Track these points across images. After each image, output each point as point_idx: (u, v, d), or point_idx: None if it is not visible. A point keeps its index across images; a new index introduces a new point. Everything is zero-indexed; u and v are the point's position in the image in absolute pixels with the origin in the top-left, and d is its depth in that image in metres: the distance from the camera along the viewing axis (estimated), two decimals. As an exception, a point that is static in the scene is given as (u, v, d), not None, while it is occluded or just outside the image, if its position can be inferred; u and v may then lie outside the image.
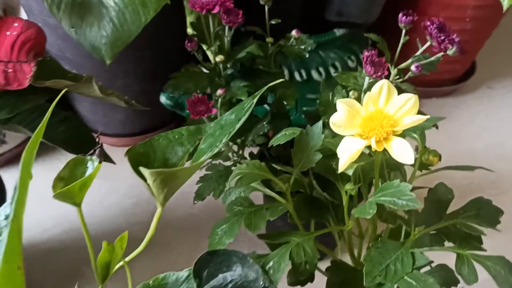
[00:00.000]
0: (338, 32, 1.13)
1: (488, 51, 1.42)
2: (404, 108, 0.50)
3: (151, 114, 1.25)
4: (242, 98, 0.76)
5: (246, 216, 0.57)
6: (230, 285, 0.47)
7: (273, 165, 0.63)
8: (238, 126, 0.53)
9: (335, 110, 0.69)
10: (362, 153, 0.51)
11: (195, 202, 0.79)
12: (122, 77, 1.11)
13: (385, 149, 0.50)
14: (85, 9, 0.72)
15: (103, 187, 1.17)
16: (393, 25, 0.75)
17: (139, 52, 1.07)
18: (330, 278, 0.55)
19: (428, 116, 0.48)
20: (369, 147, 0.51)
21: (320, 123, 0.56)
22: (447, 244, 0.62)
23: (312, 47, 0.80)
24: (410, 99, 0.49)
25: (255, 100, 0.56)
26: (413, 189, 0.50)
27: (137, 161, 0.44)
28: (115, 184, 1.17)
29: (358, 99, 0.72)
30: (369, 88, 0.73)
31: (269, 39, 0.81)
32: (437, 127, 0.75)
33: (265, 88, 0.55)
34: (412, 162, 0.48)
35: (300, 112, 1.21)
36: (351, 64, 1.19)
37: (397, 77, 0.75)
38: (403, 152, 0.48)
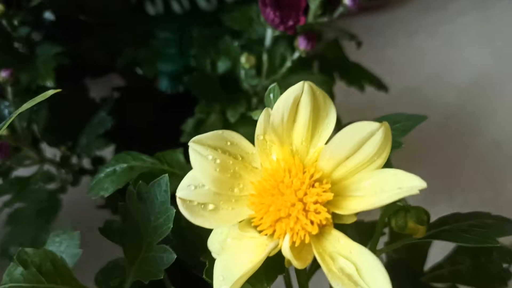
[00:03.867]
0: None
1: None
2: (358, 155, 0.19)
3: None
4: (48, 83, 0.41)
5: None
6: None
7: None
8: None
9: (215, 89, 0.38)
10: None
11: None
12: None
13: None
14: None
15: None
16: None
17: None
18: None
19: (416, 180, 0.18)
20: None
21: (166, 178, 0.24)
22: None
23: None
24: (372, 134, 0.18)
25: None
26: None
27: None
28: None
29: (259, 71, 0.40)
30: (275, 47, 0.40)
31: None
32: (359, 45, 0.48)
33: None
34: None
35: (187, 56, 0.84)
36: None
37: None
38: (366, 277, 0.19)
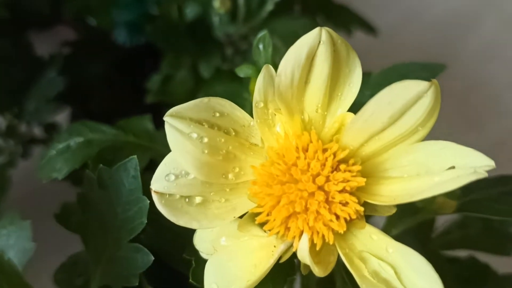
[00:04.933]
0: None
1: None
2: (399, 125, 0.14)
3: None
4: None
5: None
6: None
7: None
8: None
9: (183, 39, 0.34)
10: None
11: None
12: None
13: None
14: None
15: None
16: None
17: None
18: None
19: (478, 156, 0.13)
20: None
21: (134, 161, 0.19)
22: None
23: None
24: (420, 96, 0.13)
25: None
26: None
27: None
28: None
29: (233, 17, 0.34)
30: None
31: None
32: None
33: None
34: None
35: (146, 2, 0.76)
36: None
37: None
38: (410, 282, 0.14)
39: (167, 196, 0.15)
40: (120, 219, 0.19)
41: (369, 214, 0.15)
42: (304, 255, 0.14)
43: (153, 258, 0.19)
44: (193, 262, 0.19)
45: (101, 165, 0.19)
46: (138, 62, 0.45)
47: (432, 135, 0.17)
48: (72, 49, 0.44)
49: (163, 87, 0.39)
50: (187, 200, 0.15)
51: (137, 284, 0.19)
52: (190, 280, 0.18)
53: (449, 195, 0.21)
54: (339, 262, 0.21)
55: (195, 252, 0.19)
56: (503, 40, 0.77)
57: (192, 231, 0.19)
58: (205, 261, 0.17)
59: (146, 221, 0.19)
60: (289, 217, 0.15)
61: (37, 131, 0.44)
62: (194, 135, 0.15)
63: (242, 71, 0.23)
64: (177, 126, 0.15)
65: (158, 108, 0.38)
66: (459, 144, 0.15)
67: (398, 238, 0.31)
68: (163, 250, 0.22)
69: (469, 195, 0.24)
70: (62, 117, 0.45)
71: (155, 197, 0.15)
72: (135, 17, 0.52)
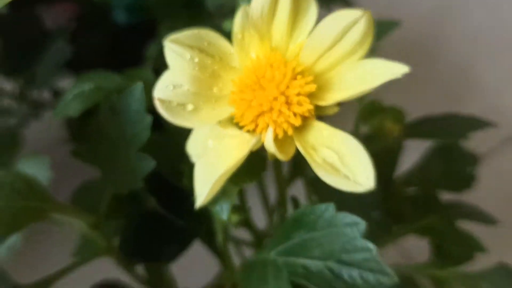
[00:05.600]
0: None
1: None
2: (341, 44, 0.19)
3: None
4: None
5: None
6: None
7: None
8: None
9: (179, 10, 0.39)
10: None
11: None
12: None
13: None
14: None
15: None
16: None
17: None
18: None
19: (397, 66, 0.18)
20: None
21: (140, 86, 0.23)
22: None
23: None
24: (356, 22, 0.18)
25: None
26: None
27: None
28: None
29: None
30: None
31: None
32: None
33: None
34: (371, 186, 0.18)
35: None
36: None
37: None
38: (348, 163, 0.19)
39: (168, 102, 0.20)
40: (129, 135, 0.24)
41: (321, 115, 0.20)
42: (269, 145, 0.19)
43: (155, 163, 0.23)
44: (186, 169, 0.24)
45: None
46: (133, 36, 0.49)
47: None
48: (76, 24, 0.48)
49: (161, 54, 0.44)
50: (182, 107, 0.20)
51: (141, 186, 0.24)
52: (184, 182, 0.23)
53: (395, 120, 0.26)
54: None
55: (188, 163, 0.24)
56: (489, 26, 0.80)
57: (185, 154, 0.24)
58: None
59: (150, 134, 0.23)
60: (258, 116, 0.19)
61: (47, 97, 0.49)
62: (188, 56, 0.20)
63: (227, 26, 0.28)
64: (174, 49, 0.20)
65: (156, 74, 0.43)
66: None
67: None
68: (162, 168, 0.27)
69: (417, 127, 0.29)
70: (69, 85, 0.49)
71: (158, 104, 0.20)
72: (133, 1, 0.56)
